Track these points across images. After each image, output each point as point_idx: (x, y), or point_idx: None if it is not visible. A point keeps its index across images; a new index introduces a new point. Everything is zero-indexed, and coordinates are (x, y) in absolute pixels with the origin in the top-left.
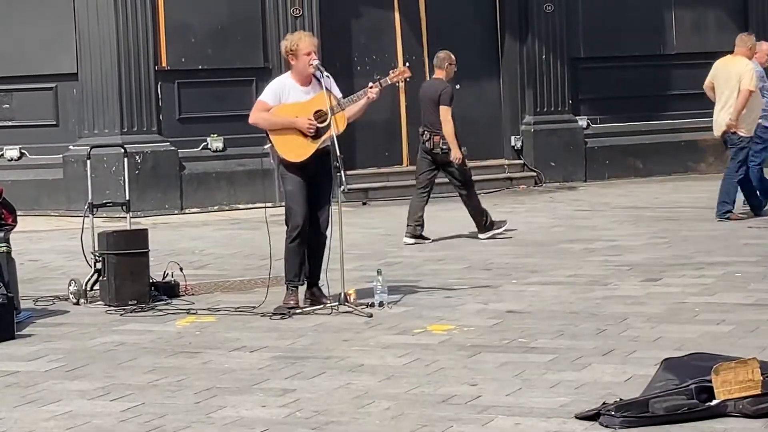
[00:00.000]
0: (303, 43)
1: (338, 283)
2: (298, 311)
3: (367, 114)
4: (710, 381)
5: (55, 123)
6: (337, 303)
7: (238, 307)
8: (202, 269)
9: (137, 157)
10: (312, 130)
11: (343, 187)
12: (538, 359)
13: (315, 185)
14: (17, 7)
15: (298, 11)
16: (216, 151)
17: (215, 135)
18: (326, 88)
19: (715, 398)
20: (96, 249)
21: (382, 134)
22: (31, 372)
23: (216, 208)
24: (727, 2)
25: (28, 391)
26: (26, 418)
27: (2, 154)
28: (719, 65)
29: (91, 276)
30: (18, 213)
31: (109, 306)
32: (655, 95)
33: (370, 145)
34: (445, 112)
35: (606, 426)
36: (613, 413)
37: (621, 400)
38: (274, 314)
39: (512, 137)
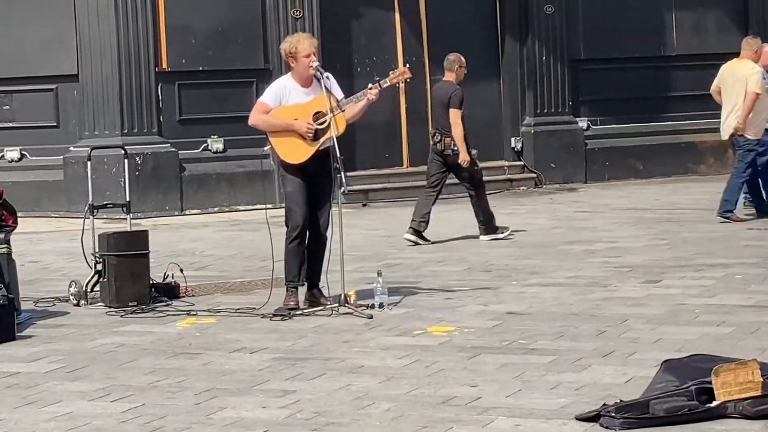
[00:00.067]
0: (302, 45)
1: (338, 284)
2: (298, 312)
3: (367, 115)
4: (710, 382)
5: (55, 124)
6: (337, 304)
7: (238, 309)
8: (202, 270)
9: (137, 159)
10: (311, 134)
11: (343, 188)
12: (538, 360)
13: (315, 186)
14: (18, 8)
15: (298, 12)
16: (216, 152)
17: (215, 136)
18: (326, 89)
19: (715, 399)
20: (96, 250)
21: (383, 135)
22: (32, 373)
23: (216, 209)
24: (728, 4)
25: (28, 392)
26: (27, 419)
27: (3, 156)
28: (725, 69)
29: (92, 277)
30: (18, 214)
31: (110, 307)
32: (655, 97)
33: (371, 146)
34: (454, 115)
35: (606, 427)
36: (613, 414)
37: (621, 401)
38: (275, 315)
39: (512, 139)
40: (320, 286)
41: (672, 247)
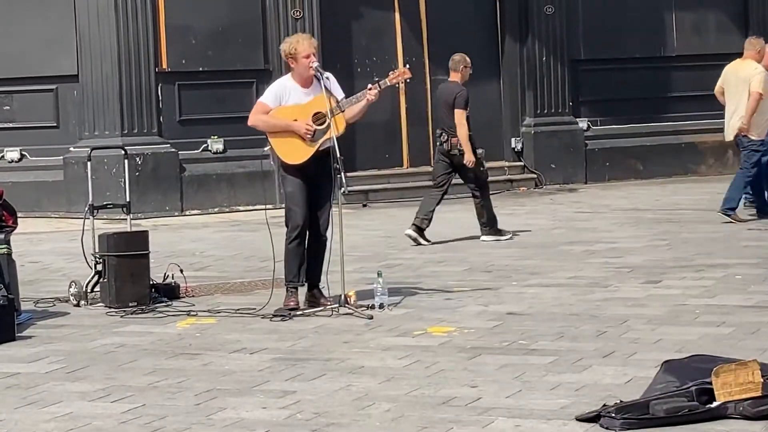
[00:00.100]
0: (301, 46)
1: (338, 284)
2: (298, 313)
3: (368, 115)
4: (711, 383)
5: (55, 125)
6: (337, 305)
7: (238, 309)
8: (202, 271)
9: (138, 159)
10: (310, 134)
11: (343, 188)
12: (538, 361)
13: (315, 187)
14: (18, 9)
15: (298, 13)
16: (216, 152)
17: (215, 137)
18: (326, 90)
19: (715, 400)
20: (96, 251)
21: (383, 136)
22: (32, 373)
23: (216, 209)
24: (728, 4)
25: (28, 393)
26: (27, 419)
27: (3, 156)
28: (729, 70)
29: (92, 278)
30: (18, 215)
31: (110, 308)
32: (655, 97)
33: (371, 146)
34: (459, 116)
35: (606, 428)
36: (613, 415)
37: (621, 402)
38: (275, 316)
39: (512, 139)
40: (320, 287)
41: (672, 247)
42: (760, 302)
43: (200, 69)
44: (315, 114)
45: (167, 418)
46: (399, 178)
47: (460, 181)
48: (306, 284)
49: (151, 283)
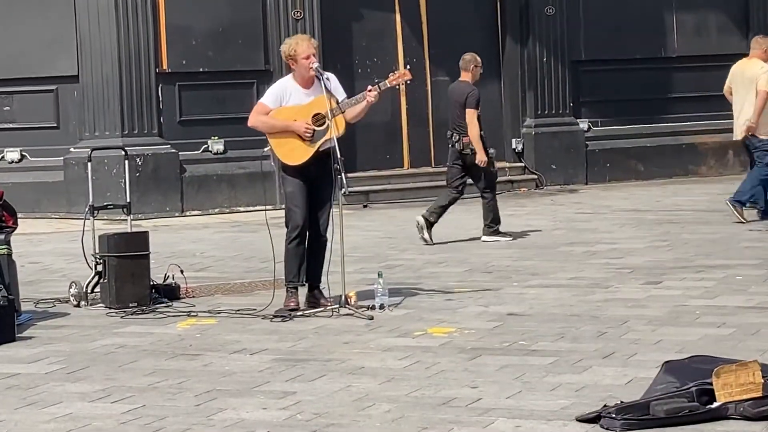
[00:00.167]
0: (301, 47)
1: (339, 285)
2: (298, 313)
3: (368, 116)
4: (711, 383)
5: (55, 125)
6: (337, 305)
7: (238, 310)
8: (202, 272)
9: (138, 160)
10: (309, 134)
11: (344, 189)
12: (538, 362)
13: (315, 187)
14: (18, 10)
15: (299, 14)
16: (217, 153)
17: (216, 137)
18: (327, 90)
19: (716, 401)
20: (97, 251)
21: (383, 136)
22: (32, 374)
23: (216, 210)
24: (729, 5)
25: (28, 393)
26: (27, 420)
27: (3, 157)
28: (736, 69)
29: (92, 278)
30: (18, 215)
31: (110, 308)
32: (656, 98)
33: (371, 147)
34: (471, 115)
35: (607, 429)
36: (613, 416)
37: (622, 402)
38: (275, 317)
39: (513, 140)
40: (321, 287)
41: (673, 248)
42: (761, 303)
43: (201, 69)
44: (315, 115)
45: (167, 419)
46: (399, 179)
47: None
48: (306, 285)
49: (152, 283)
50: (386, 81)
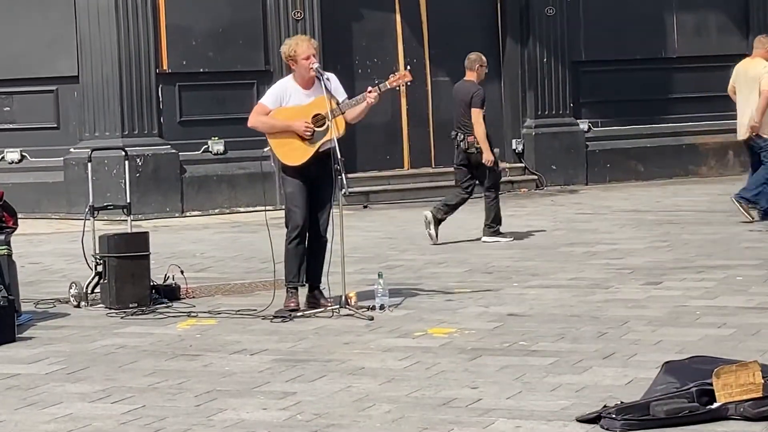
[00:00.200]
0: (300, 48)
1: (339, 286)
2: (298, 314)
3: (368, 117)
4: (711, 384)
5: (56, 126)
6: (338, 306)
7: (238, 310)
8: (202, 272)
9: (138, 160)
10: (308, 133)
11: (344, 190)
12: (538, 362)
13: (315, 188)
14: (18, 10)
15: (299, 14)
16: (217, 154)
17: (216, 138)
18: (327, 91)
19: (716, 401)
20: (97, 252)
21: (383, 137)
22: (32, 375)
23: (217, 211)
24: (729, 5)
25: (28, 394)
26: (27, 420)
27: (3, 157)
28: (739, 68)
29: (92, 279)
30: (19, 216)
31: (110, 309)
32: (656, 98)
33: (371, 148)
34: (476, 115)
35: (607, 429)
36: (614, 416)
37: (622, 403)
38: (275, 317)
39: (513, 141)
40: (321, 288)
41: (673, 248)
42: (761, 304)
43: (201, 70)
44: (315, 116)
45: (167, 419)
46: (399, 180)
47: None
48: (306, 285)
49: (152, 284)
50: (386, 82)
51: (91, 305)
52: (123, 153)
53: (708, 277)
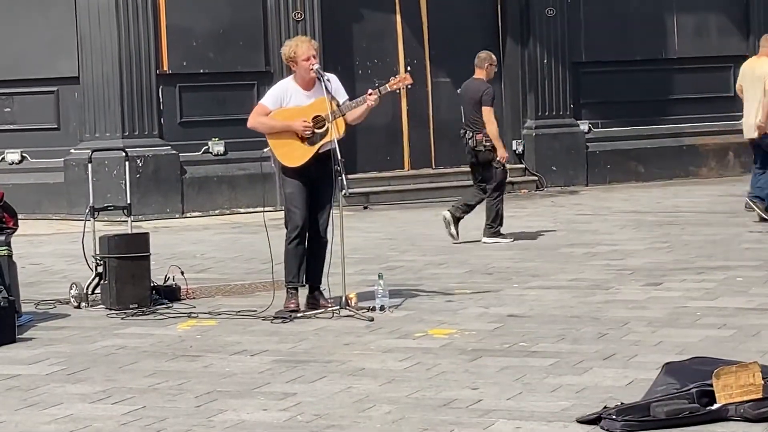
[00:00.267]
0: (300, 49)
1: (339, 287)
2: (299, 315)
3: (368, 118)
4: (711, 385)
5: (56, 126)
6: (338, 307)
7: (239, 311)
8: (203, 273)
9: (138, 161)
10: (308, 132)
11: (344, 191)
12: (539, 363)
13: (315, 189)
14: (18, 11)
15: (299, 15)
16: (217, 154)
17: (216, 139)
18: (327, 92)
19: (716, 402)
20: (97, 252)
21: (384, 138)
22: (32, 375)
23: (217, 211)
24: (729, 7)
25: (29, 395)
26: (27, 421)
27: (3, 158)
28: (746, 67)
29: (93, 279)
30: (19, 216)
31: (110, 309)
32: (656, 100)
33: (372, 148)
34: (488, 113)
35: (607, 430)
36: (614, 417)
37: (622, 404)
38: (275, 318)
39: (513, 141)
40: (321, 289)
41: (673, 249)
42: (762, 305)
43: (201, 71)
44: (315, 117)
45: (168, 420)
46: (400, 181)
47: (466, 183)
48: (306, 286)
49: (152, 285)
50: (387, 85)
51: (91, 306)
52: (123, 154)
53: (708, 278)
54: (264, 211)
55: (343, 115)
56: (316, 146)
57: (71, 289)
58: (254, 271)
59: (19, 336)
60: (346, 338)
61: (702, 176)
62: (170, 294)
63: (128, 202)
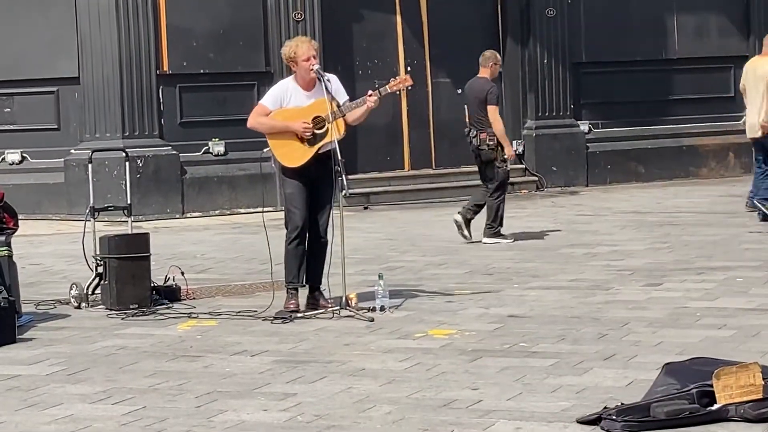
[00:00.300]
0: (300, 49)
1: (339, 287)
2: (299, 315)
3: (369, 118)
4: (711, 385)
5: (56, 127)
6: (338, 307)
7: (239, 312)
8: (203, 273)
9: (139, 161)
10: (308, 133)
11: (344, 191)
12: (539, 364)
13: (315, 189)
14: (19, 11)
15: (299, 15)
16: (217, 155)
17: (216, 139)
18: (328, 92)
19: (716, 403)
20: (97, 253)
21: (384, 138)
22: (33, 376)
23: (217, 212)
24: (729, 7)
25: (29, 395)
26: (27, 421)
27: (3, 158)
28: (749, 67)
29: (93, 280)
30: (19, 217)
31: (111, 310)
32: (656, 100)
33: (372, 149)
34: (493, 111)
35: (607, 430)
36: (614, 418)
37: (622, 404)
38: (276, 318)
39: (514, 142)
40: (321, 289)
41: (673, 250)
42: (762, 305)
43: (201, 71)
44: (315, 118)
45: (168, 421)
46: (400, 181)
47: (467, 183)
48: (306, 286)
49: (152, 285)
50: (387, 86)
51: (91, 306)
52: (123, 154)
53: (708, 278)
54: (264, 212)
55: (343, 116)
56: (316, 147)
57: (71, 289)
58: (254, 271)
59: (20, 336)
60: (347, 338)
61: (702, 177)
62: (170, 294)
63: (128, 202)
